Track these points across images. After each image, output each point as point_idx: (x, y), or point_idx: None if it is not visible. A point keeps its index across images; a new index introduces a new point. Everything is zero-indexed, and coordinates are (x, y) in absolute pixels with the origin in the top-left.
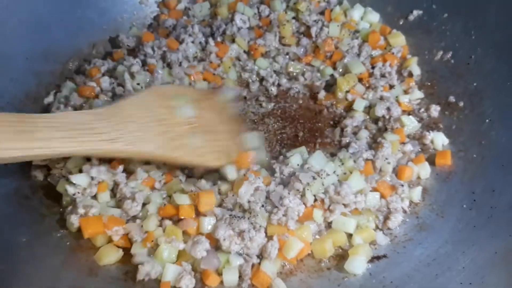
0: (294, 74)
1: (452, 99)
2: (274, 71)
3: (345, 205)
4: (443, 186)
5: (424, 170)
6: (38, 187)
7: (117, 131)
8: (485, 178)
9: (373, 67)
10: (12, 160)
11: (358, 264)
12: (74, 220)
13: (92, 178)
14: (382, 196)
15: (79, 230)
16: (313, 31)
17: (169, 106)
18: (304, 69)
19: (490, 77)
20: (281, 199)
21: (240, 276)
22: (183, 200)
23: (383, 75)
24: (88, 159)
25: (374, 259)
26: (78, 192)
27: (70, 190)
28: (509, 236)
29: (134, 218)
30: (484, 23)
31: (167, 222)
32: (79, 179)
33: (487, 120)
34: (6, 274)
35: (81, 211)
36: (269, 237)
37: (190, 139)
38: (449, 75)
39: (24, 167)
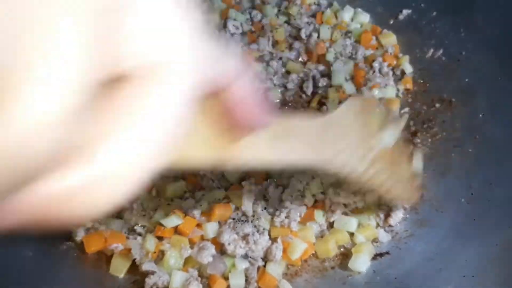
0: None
1: (445, 95)
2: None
3: (345, 205)
4: (440, 181)
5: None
6: None
7: (336, 144)
8: (481, 172)
9: (367, 67)
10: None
11: (362, 262)
12: (79, 233)
13: None
14: None
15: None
16: (303, 33)
17: (369, 124)
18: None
19: (481, 72)
20: (282, 201)
21: (246, 279)
22: (172, 222)
23: (380, 73)
24: None
25: (377, 256)
26: None
27: None
28: (508, 228)
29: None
30: (472, 20)
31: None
32: None
33: (480, 115)
34: None
35: (88, 224)
36: (273, 239)
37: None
38: (441, 72)
39: None
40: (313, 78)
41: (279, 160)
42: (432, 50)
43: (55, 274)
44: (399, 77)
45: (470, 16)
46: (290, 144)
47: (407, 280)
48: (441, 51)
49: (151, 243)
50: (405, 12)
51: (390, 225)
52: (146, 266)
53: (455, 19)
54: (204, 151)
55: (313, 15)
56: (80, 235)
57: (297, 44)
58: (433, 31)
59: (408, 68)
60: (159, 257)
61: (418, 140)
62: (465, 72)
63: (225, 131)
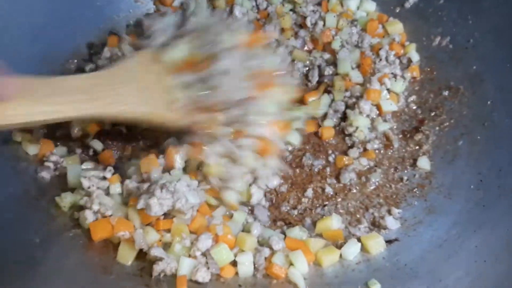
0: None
1: (452, 83)
2: None
3: None
4: (448, 168)
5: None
6: (46, 188)
7: (114, 95)
8: (490, 158)
9: (374, 55)
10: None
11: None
12: (88, 215)
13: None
14: None
15: None
16: (308, 21)
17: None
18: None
19: (489, 59)
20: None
21: (254, 267)
22: None
23: (387, 61)
24: None
25: (386, 243)
26: (93, 185)
27: (85, 183)
28: None
29: None
30: (480, 7)
31: (175, 220)
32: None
33: (488, 102)
34: (21, 276)
35: (95, 207)
36: None
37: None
38: (448, 60)
39: (31, 168)
40: (319, 66)
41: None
42: (439, 38)
43: (62, 261)
44: (406, 65)
45: (478, 3)
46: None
47: (417, 267)
48: (448, 38)
49: (152, 234)
50: (412, 0)
51: (385, 228)
52: (154, 252)
53: (463, 6)
54: None
55: (319, 3)
56: (89, 217)
57: (302, 33)
58: (440, 19)
59: (415, 56)
60: (167, 244)
61: (426, 128)
62: (473, 59)
63: None
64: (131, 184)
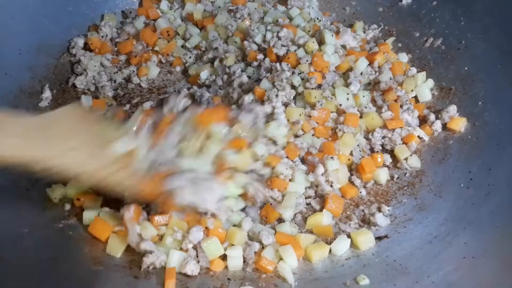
0: None
1: (444, 83)
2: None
3: None
4: (439, 167)
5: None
6: (37, 180)
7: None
8: (480, 157)
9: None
10: None
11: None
12: (90, 215)
13: None
14: None
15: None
16: None
17: (95, 132)
18: None
19: (481, 60)
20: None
21: (244, 261)
22: None
23: None
24: None
25: (376, 239)
26: None
27: None
28: (508, 212)
29: None
30: (472, 9)
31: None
32: None
33: (479, 102)
34: (8, 264)
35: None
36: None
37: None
38: (440, 60)
39: None
40: None
41: None
42: (431, 39)
43: (51, 251)
44: None
45: (470, 5)
46: None
47: (406, 263)
48: (440, 40)
49: (150, 230)
50: (405, 1)
51: (375, 224)
52: (144, 245)
53: (456, 8)
54: None
55: None
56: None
57: None
58: (433, 20)
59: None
60: (158, 236)
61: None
62: (465, 60)
63: None
64: None
